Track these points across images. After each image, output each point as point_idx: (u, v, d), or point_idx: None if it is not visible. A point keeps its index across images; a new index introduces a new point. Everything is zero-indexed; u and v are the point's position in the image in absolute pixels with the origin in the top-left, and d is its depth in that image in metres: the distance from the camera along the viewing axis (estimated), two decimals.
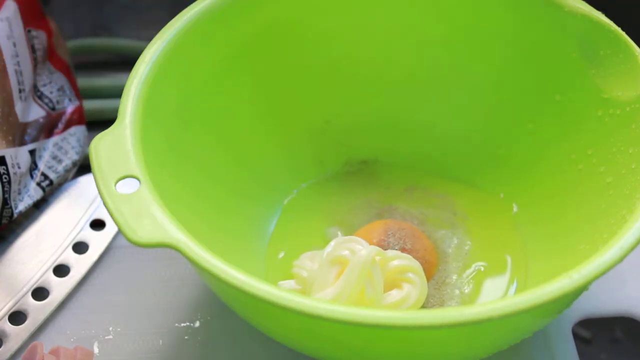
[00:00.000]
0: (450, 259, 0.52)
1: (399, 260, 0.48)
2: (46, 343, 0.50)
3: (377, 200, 0.55)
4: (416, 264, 0.48)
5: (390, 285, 0.48)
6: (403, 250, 0.50)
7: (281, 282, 0.50)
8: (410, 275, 0.48)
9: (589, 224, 0.47)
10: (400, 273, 0.48)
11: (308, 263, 0.49)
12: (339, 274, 0.47)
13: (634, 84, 0.47)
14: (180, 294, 0.52)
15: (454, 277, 0.51)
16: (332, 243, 0.48)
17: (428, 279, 0.50)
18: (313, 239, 0.53)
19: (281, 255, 0.52)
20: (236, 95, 0.52)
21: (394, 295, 0.47)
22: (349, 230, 0.53)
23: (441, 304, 0.49)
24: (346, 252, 0.47)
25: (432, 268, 0.51)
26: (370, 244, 0.49)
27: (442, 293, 0.50)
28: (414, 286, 0.48)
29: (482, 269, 0.51)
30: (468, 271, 0.51)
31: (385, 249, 0.50)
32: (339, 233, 0.53)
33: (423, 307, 0.49)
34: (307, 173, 0.55)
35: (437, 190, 0.55)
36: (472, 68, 0.54)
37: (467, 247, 0.52)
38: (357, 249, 0.47)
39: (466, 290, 0.50)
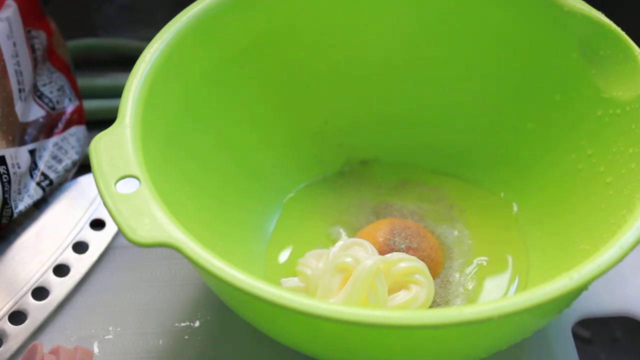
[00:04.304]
0: (454, 255, 0.52)
1: (405, 262, 0.48)
2: (46, 343, 0.50)
3: (371, 198, 0.55)
4: (422, 265, 0.48)
5: (397, 287, 0.48)
6: (409, 249, 0.50)
7: (284, 280, 0.50)
8: (417, 276, 0.48)
9: (589, 224, 0.47)
10: (407, 275, 0.48)
11: (313, 262, 0.49)
12: (343, 281, 0.47)
13: (634, 84, 0.47)
14: (180, 294, 0.52)
15: (457, 275, 0.51)
16: (338, 244, 0.48)
17: (434, 277, 0.50)
18: (314, 239, 0.53)
19: (281, 254, 0.52)
20: (235, 95, 0.52)
21: (402, 296, 0.47)
22: (352, 230, 0.53)
23: (447, 302, 0.49)
24: (349, 260, 0.47)
25: (438, 267, 0.51)
26: (376, 244, 0.50)
27: (448, 291, 0.50)
28: (422, 287, 0.48)
29: (485, 263, 0.51)
30: (470, 267, 0.51)
31: (391, 249, 0.50)
32: (342, 232, 0.53)
33: (430, 306, 0.49)
34: (307, 173, 0.55)
35: (430, 184, 0.55)
36: (471, 68, 0.54)
37: (468, 242, 0.52)
38: (361, 256, 0.47)
39: (470, 287, 0.50)
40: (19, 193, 0.54)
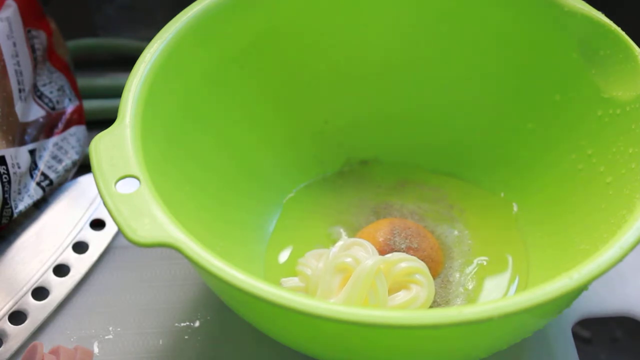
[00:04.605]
0: (454, 255, 0.52)
1: (405, 262, 0.48)
2: (46, 343, 0.50)
3: (371, 198, 0.55)
4: (422, 265, 0.48)
5: (397, 287, 0.48)
6: (409, 249, 0.50)
7: (284, 279, 0.50)
8: (418, 276, 0.48)
9: (589, 224, 0.47)
10: (407, 275, 0.48)
11: (313, 262, 0.49)
12: (343, 281, 0.47)
13: (634, 84, 0.47)
14: (180, 294, 0.52)
15: (457, 275, 0.51)
16: (339, 244, 0.48)
17: (434, 277, 0.50)
18: (314, 239, 0.53)
19: (281, 254, 0.52)
20: (235, 95, 0.52)
21: (402, 296, 0.47)
22: (352, 230, 0.53)
23: (447, 302, 0.49)
24: (349, 260, 0.47)
25: (438, 267, 0.51)
26: (376, 244, 0.50)
27: (448, 291, 0.50)
28: (422, 287, 0.48)
29: (485, 263, 0.51)
30: (470, 267, 0.51)
31: (392, 249, 0.50)
32: (342, 232, 0.53)
33: (431, 306, 0.49)
34: (307, 173, 0.55)
35: (429, 184, 0.55)
36: (471, 68, 0.54)
37: (468, 242, 0.52)
38: (361, 257, 0.47)
39: (470, 287, 0.50)
40: (19, 193, 0.54)
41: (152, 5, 0.69)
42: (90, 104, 0.62)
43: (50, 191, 0.56)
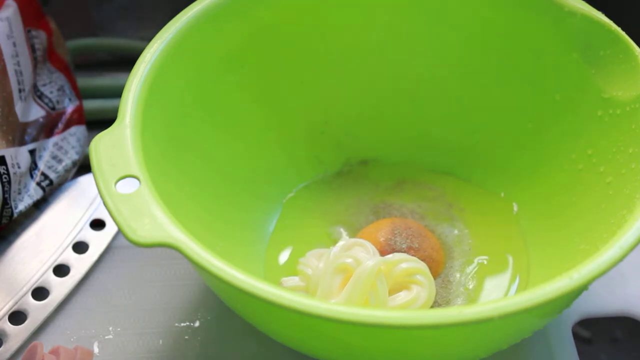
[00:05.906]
0: (455, 254, 0.52)
1: (406, 263, 0.48)
2: (46, 343, 0.50)
3: (371, 198, 0.55)
4: (423, 266, 0.48)
5: (398, 288, 0.48)
6: (410, 249, 0.50)
7: (284, 279, 0.50)
8: (418, 277, 0.48)
9: (589, 224, 0.47)
10: (408, 276, 0.48)
11: (314, 261, 0.49)
12: (343, 282, 0.47)
13: (634, 84, 0.47)
14: (180, 294, 0.52)
15: (458, 274, 0.51)
16: (340, 244, 0.48)
17: (435, 277, 0.50)
18: (314, 239, 0.53)
19: (281, 254, 0.52)
20: (236, 95, 0.52)
21: (403, 296, 0.47)
22: (352, 229, 0.53)
23: (448, 302, 0.49)
24: (350, 261, 0.47)
25: (439, 266, 0.51)
26: (377, 244, 0.50)
27: (449, 291, 0.50)
28: (423, 287, 0.48)
29: (485, 262, 0.51)
30: (471, 266, 0.51)
31: (393, 249, 0.50)
32: (343, 231, 0.53)
33: (432, 306, 0.49)
34: (307, 172, 0.55)
35: (428, 183, 0.55)
36: (471, 67, 0.54)
37: (468, 241, 0.52)
38: (361, 257, 0.47)
39: (470, 286, 0.50)
40: (19, 193, 0.54)
41: (152, 5, 0.69)
42: (90, 104, 0.62)
43: (50, 191, 0.56)
